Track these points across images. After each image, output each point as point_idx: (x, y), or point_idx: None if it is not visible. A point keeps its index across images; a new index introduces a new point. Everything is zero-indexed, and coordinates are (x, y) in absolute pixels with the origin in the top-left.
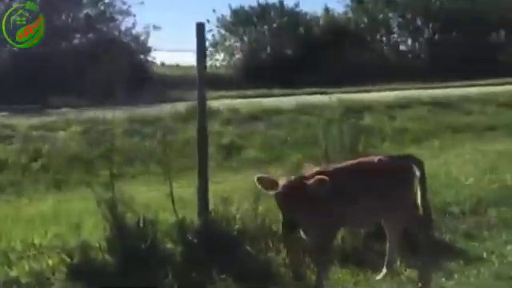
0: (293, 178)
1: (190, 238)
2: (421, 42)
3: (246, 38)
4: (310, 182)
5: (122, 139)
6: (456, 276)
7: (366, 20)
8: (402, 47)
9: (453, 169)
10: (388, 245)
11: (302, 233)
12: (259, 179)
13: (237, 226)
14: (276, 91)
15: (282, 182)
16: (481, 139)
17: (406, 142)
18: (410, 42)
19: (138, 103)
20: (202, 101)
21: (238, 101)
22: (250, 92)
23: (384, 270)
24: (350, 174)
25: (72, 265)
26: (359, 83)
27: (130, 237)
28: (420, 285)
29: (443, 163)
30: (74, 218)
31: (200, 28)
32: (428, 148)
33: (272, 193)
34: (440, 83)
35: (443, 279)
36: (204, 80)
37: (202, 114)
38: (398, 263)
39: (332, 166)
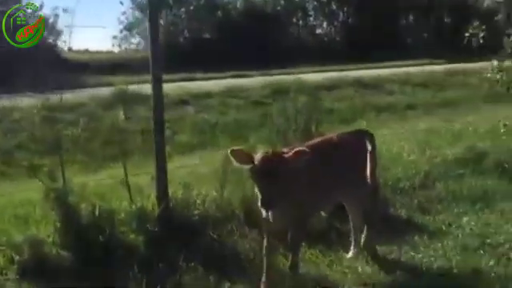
0: (270, 150)
1: (151, 227)
2: (336, 25)
3: (162, 21)
4: (290, 154)
5: (41, 127)
6: (422, 249)
7: (282, 3)
8: (318, 30)
9: (391, 146)
10: (351, 224)
11: (270, 214)
12: (233, 152)
13: (197, 211)
14: (199, 75)
15: (257, 155)
16: (403, 118)
17: (335, 122)
18: (325, 25)
19: (49, 89)
20: (157, 85)
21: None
22: (171, 76)
23: (353, 250)
24: (319, 153)
25: (23, 262)
26: (278, 66)
27: (84, 229)
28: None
29: (382, 142)
30: (11, 212)
31: (153, 3)
32: (356, 128)
33: (247, 167)
34: (355, 65)
35: (412, 253)
36: (159, 61)
37: (158, 98)
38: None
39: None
